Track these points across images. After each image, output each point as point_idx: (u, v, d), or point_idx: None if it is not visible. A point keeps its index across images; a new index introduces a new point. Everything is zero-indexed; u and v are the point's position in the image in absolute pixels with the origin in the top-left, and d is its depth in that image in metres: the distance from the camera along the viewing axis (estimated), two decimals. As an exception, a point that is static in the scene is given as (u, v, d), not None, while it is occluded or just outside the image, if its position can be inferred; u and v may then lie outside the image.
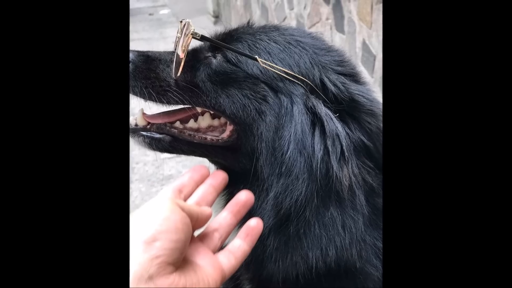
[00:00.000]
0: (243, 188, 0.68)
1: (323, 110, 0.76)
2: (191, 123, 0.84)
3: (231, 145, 0.81)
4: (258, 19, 3.88)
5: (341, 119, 0.77)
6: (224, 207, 0.66)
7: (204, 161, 0.87)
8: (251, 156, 0.79)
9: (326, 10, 2.59)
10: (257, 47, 0.79)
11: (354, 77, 0.82)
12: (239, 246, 0.62)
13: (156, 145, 0.83)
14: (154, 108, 0.85)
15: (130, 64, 0.81)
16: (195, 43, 0.83)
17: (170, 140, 0.83)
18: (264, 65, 0.77)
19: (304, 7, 2.90)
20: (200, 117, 0.84)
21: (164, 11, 6.73)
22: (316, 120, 0.76)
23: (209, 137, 0.83)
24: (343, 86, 0.78)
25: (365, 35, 2.16)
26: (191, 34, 0.77)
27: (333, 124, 0.75)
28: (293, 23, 3.11)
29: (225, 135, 0.82)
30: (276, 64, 0.78)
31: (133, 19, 5.94)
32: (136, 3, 7.09)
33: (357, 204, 0.77)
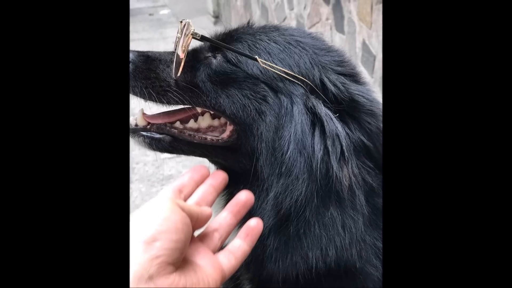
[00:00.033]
0: (243, 188, 0.68)
1: (323, 110, 0.76)
2: (191, 123, 0.84)
3: (231, 145, 0.81)
4: (258, 19, 3.89)
5: (341, 119, 0.77)
6: (224, 207, 0.66)
7: (204, 161, 0.87)
8: (251, 156, 0.79)
9: (326, 10, 2.59)
10: (257, 47, 0.80)
11: (354, 77, 0.82)
12: (239, 246, 0.62)
13: (156, 145, 0.83)
14: (154, 108, 0.85)
15: (130, 64, 0.81)
16: (195, 43, 0.83)
17: (170, 140, 0.83)
18: (264, 65, 0.77)
19: (304, 7, 2.91)
20: (200, 117, 0.84)
21: (164, 11, 6.74)
22: (316, 120, 0.76)
23: (209, 137, 0.83)
24: (343, 86, 0.78)
25: (365, 35, 2.16)
26: (191, 34, 0.77)
27: (333, 124, 0.75)
28: (293, 23, 3.11)
29: (225, 135, 0.82)
30: (276, 64, 0.78)
31: (133, 19, 5.94)
32: (136, 3, 7.10)
33: (357, 204, 0.77)
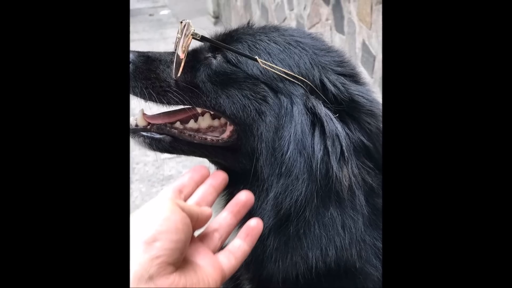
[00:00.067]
0: (243, 188, 0.68)
1: (323, 110, 0.76)
2: (191, 124, 0.84)
3: (231, 145, 0.82)
4: (258, 20, 3.89)
5: (341, 119, 0.77)
6: (224, 207, 0.66)
7: (204, 162, 0.87)
8: (251, 157, 0.79)
9: (326, 11, 2.59)
10: (257, 48, 0.80)
11: (354, 77, 0.83)
12: (239, 246, 0.62)
13: (157, 146, 0.83)
14: (154, 108, 0.85)
15: (131, 65, 0.82)
16: (195, 44, 0.84)
17: (170, 141, 0.83)
18: (264, 66, 0.78)
19: (304, 8, 2.91)
20: (200, 118, 0.85)
21: (164, 12, 6.74)
22: (316, 121, 0.76)
23: (209, 138, 0.83)
24: (343, 86, 0.78)
25: (365, 35, 2.16)
26: (191, 34, 0.77)
27: (333, 124, 0.76)
28: (293, 24, 3.11)
29: (225, 135, 0.82)
30: (276, 65, 0.78)
31: (133, 19, 5.94)
32: (136, 4, 7.10)
33: (356, 204, 0.77)
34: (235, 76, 0.79)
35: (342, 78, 0.80)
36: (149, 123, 0.84)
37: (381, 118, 0.78)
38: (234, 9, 4.83)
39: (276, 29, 0.85)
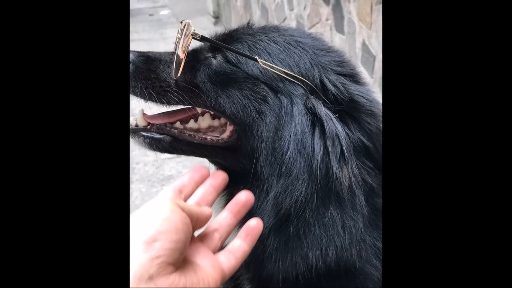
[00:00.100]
0: (243, 188, 0.68)
1: (323, 110, 0.76)
2: (191, 124, 0.84)
3: (231, 145, 0.82)
4: (258, 20, 3.89)
5: (341, 119, 0.77)
6: (224, 207, 0.66)
7: (204, 161, 0.87)
8: (251, 157, 0.79)
9: (326, 11, 2.59)
10: (257, 48, 0.80)
11: (354, 77, 0.83)
12: (239, 246, 0.62)
13: (157, 146, 0.83)
14: (154, 108, 0.85)
15: (131, 65, 0.82)
16: (195, 44, 0.84)
17: (170, 141, 0.83)
18: (264, 66, 0.78)
19: (304, 8, 2.91)
20: (200, 118, 0.85)
21: (164, 12, 6.74)
22: (316, 121, 0.76)
23: (209, 138, 0.83)
24: (343, 86, 0.78)
25: (365, 35, 2.16)
26: (191, 34, 0.77)
27: (333, 124, 0.76)
28: (293, 24, 3.11)
29: (225, 135, 0.82)
30: (276, 65, 0.78)
31: (133, 19, 5.94)
32: (136, 4, 7.10)
33: (356, 204, 0.77)
34: (235, 76, 0.79)
35: (342, 78, 0.80)
36: (149, 123, 0.84)
37: (381, 118, 0.78)
38: (234, 9, 4.83)
39: (276, 29, 0.85)
